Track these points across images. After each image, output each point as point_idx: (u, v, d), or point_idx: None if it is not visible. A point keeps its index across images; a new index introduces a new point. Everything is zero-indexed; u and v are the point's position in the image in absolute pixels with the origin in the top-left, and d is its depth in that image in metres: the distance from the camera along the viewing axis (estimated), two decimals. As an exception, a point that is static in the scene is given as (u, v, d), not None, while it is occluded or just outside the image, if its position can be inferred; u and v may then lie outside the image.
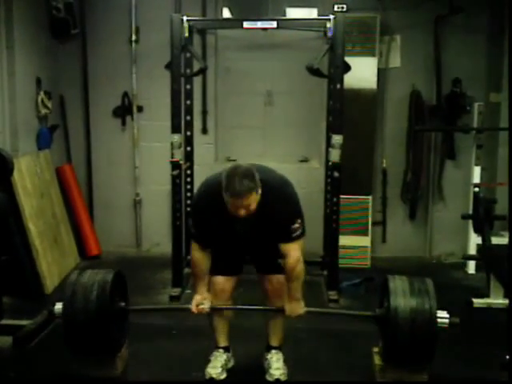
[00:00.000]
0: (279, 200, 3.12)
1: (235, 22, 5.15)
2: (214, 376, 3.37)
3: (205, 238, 3.27)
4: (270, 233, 3.16)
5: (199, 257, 3.29)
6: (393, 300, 3.18)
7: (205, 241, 3.27)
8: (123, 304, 3.46)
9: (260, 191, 2.97)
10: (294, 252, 3.15)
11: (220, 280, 3.36)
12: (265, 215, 3.05)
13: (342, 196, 4.84)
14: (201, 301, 3.30)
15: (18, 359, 3.73)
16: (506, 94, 5.36)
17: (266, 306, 3.44)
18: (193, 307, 3.30)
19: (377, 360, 3.45)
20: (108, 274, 3.35)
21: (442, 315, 3.19)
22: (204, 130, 5.86)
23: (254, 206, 2.96)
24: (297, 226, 3.14)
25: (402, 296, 3.19)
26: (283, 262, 3.21)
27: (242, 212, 2.95)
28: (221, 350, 3.46)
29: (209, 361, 3.44)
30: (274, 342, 3.49)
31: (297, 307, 3.28)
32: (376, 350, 3.52)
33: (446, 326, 3.18)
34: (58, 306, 3.30)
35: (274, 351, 3.47)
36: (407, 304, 3.16)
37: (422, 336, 3.14)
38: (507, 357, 3.39)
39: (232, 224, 3.11)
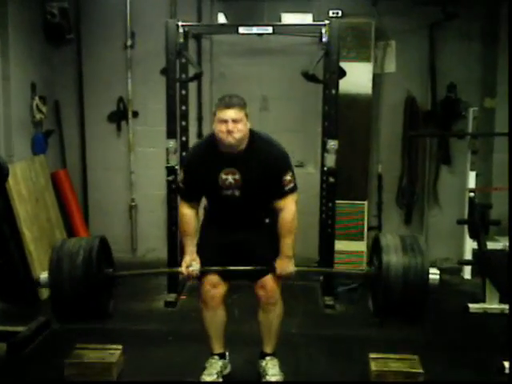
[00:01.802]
0: (271, 147, 3.24)
1: (230, 28, 5.15)
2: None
3: (193, 193, 3.28)
4: (262, 187, 3.17)
5: (187, 212, 3.30)
6: (385, 257, 3.13)
7: (192, 196, 3.29)
8: (110, 270, 3.39)
9: (247, 117, 3.15)
10: (289, 206, 3.20)
11: (209, 287, 3.32)
12: (257, 162, 3.13)
13: (337, 201, 4.85)
14: (190, 262, 3.27)
15: (12, 365, 3.71)
16: (501, 100, 5.39)
17: (258, 319, 3.42)
18: (183, 269, 3.28)
19: (373, 366, 3.44)
20: (93, 240, 3.29)
21: (434, 271, 3.16)
22: (199, 136, 5.85)
23: (241, 126, 3.08)
24: (289, 178, 3.20)
25: (393, 253, 3.14)
26: (278, 217, 3.21)
27: (230, 127, 3.04)
28: (216, 357, 3.44)
29: (204, 368, 3.42)
30: (268, 349, 3.46)
31: (288, 265, 3.27)
32: (372, 356, 3.51)
33: (436, 282, 3.15)
34: (44, 275, 3.21)
35: (268, 358, 3.44)
36: (399, 260, 3.11)
37: (414, 292, 3.11)
38: (505, 363, 3.41)
39: (221, 179, 3.14)
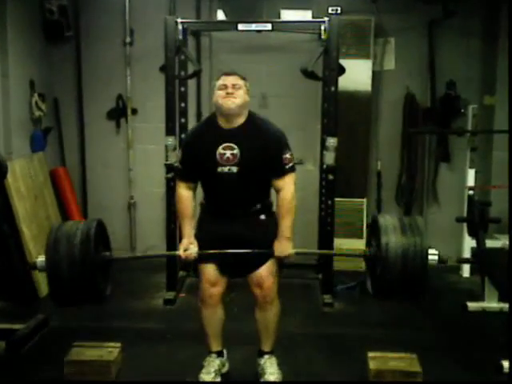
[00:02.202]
0: (269, 125, 3.26)
1: (230, 24, 5.15)
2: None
3: (190, 172, 3.27)
4: (261, 164, 3.15)
5: (184, 193, 3.29)
6: (384, 237, 3.09)
7: (190, 175, 3.28)
8: (108, 253, 3.34)
9: (247, 90, 3.21)
10: (288, 185, 3.20)
11: (207, 285, 3.31)
12: (255, 138, 3.14)
13: (336, 199, 4.85)
14: (188, 245, 3.26)
15: (11, 363, 3.71)
16: (500, 97, 5.38)
17: (256, 319, 3.40)
18: (180, 252, 3.27)
19: (372, 365, 3.44)
20: (91, 223, 3.23)
21: (432, 252, 3.13)
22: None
23: (241, 92, 3.15)
24: (289, 156, 3.20)
25: (392, 233, 3.10)
26: (277, 197, 3.23)
27: (230, 90, 3.11)
28: (213, 355, 3.44)
29: (202, 366, 3.42)
30: (266, 347, 3.46)
31: (286, 247, 3.23)
32: (371, 354, 3.51)
33: (435, 262, 3.12)
34: (41, 258, 3.16)
35: (266, 356, 3.44)
36: (398, 240, 3.07)
37: (413, 271, 3.06)
38: (504, 363, 3.41)
39: (219, 154, 3.13)
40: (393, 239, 3.07)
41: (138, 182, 5.99)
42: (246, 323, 3.63)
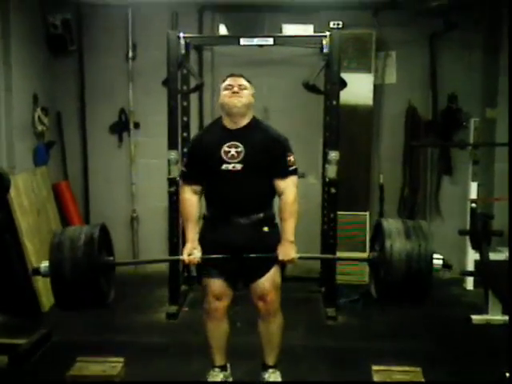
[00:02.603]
0: (273, 129, 3.35)
1: (232, 39, 5.18)
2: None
3: (195, 174, 3.29)
4: (265, 163, 3.19)
5: (189, 197, 3.31)
6: (387, 241, 3.05)
7: (195, 177, 3.30)
8: (111, 258, 3.33)
9: (252, 92, 3.30)
10: (291, 187, 3.23)
11: (212, 299, 3.30)
12: (260, 138, 3.22)
13: (339, 212, 4.85)
14: (191, 250, 3.25)
15: (13, 378, 3.69)
16: (502, 110, 5.39)
17: (259, 332, 3.40)
18: (184, 256, 3.26)
19: (376, 378, 3.41)
20: (94, 228, 3.22)
21: (437, 256, 3.11)
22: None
23: (246, 92, 3.24)
24: (293, 159, 3.26)
25: (396, 237, 3.07)
26: (279, 200, 3.25)
27: (236, 89, 3.19)
28: (217, 370, 3.42)
29: (206, 380, 3.40)
30: (270, 361, 3.44)
31: (290, 251, 3.22)
32: (375, 368, 3.49)
33: (440, 267, 3.11)
34: (45, 264, 3.14)
35: (270, 370, 3.43)
36: (402, 244, 3.04)
37: (417, 275, 3.04)
38: (506, 374, 3.38)
39: (224, 151, 3.17)
40: (397, 242, 3.05)
41: (141, 196, 5.99)
42: (249, 337, 3.62)
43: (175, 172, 4.67)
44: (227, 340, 3.43)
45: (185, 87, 5.14)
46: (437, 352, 4.09)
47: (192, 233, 3.31)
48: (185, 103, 5.18)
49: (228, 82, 3.27)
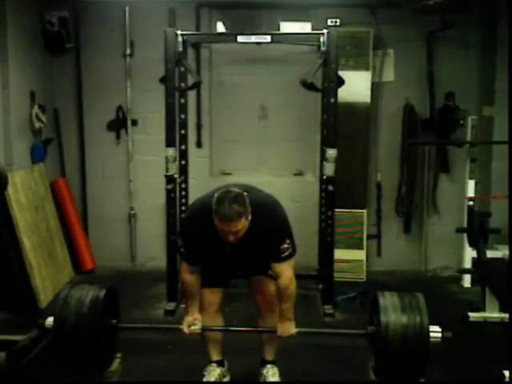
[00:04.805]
0: (268, 219, 3.12)
1: (229, 36, 5.17)
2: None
3: (195, 258, 3.24)
4: (259, 252, 3.17)
5: (190, 279, 3.27)
6: (383, 316, 3.13)
7: (195, 260, 3.25)
8: (114, 321, 3.40)
9: (250, 217, 2.97)
10: (286, 272, 3.15)
11: (207, 293, 3.35)
12: (254, 234, 3.04)
13: (336, 210, 4.85)
14: (192, 321, 3.29)
15: (11, 375, 3.68)
16: (499, 108, 5.40)
17: (258, 327, 3.44)
18: (184, 328, 3.28)
19: (373, 375, 3.42)
20: (100, 291, 3.30)
21: (435, 329, 3.15)
22: (198, 144, 5.86)
23: (243, 231, 2.97)
24: (286, 246, 3.13)
25: (392, 312, 3.14)
26: (276, 283, 3.21)
27: (231, 238, 2.95)
28: (214, 365, 3.45)
29: (202, 375, 3.42)
30: (269, 356, 3.48)
31: (289, 327, 3.26)
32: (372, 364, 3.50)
33: (438, 340, 3.15)
34: (49, 320, 3.24)
35: (269, 365, 3.46)
36: (398, 320, 3.11)
37: (414, 352, 3.10)
38: (504, 372, 3.39)
39: (222, 245, 3.08)
40: (392, 319, 3.11)
41: (139, 193, 5.99)
42: (246, 334, 3.63)
43: (173, 169, 4.68)
44: (223, 335, 3.46)
45: (182, 84, 5.14)
46: (433, 349, 4.07)
47: (193, 307, 3.32)
48: (182, 100, 5.17)
49: (221, 226, 2.93)
